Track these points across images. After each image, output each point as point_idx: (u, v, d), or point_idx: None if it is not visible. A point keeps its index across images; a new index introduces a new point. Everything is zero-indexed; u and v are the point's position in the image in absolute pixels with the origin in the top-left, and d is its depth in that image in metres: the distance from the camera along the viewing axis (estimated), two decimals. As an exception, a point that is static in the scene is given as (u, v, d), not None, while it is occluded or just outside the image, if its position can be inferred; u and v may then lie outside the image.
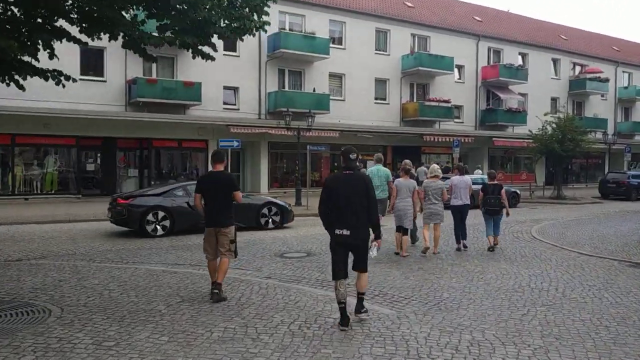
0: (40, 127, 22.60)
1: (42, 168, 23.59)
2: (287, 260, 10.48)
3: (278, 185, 29.35)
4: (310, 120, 23.39)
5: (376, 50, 33.19)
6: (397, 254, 10.93)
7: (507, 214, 11.78)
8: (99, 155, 25.54)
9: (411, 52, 33.75)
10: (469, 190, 11.67)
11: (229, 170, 29.44)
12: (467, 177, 11.97)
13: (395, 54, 33.74)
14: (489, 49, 38.45)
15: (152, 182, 25.88)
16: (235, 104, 28.60)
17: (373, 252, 6.27)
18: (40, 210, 19.15)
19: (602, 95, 44.69)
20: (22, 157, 23.23)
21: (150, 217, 13.42)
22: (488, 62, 38.21)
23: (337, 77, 31.96)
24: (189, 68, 26.64)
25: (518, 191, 25.92)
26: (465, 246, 11.61)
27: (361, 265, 6.10)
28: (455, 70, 36.10)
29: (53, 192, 23.68)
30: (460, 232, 11.59)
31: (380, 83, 33.50)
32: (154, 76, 25.73)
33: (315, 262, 10.28)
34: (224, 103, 28.16)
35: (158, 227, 13.49)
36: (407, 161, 11.43)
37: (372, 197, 6.02)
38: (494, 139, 35.34)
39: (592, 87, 42.23)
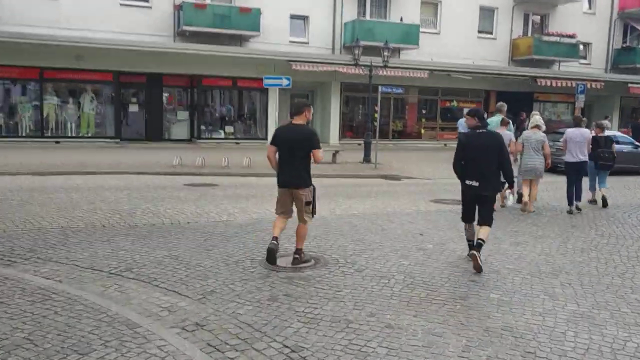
0: (71, 60, 19.46)
1: (77, 108, 20.64)
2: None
3: (352, 134, 24.71)
4: (386, 54, 18.34)
5: (483, -30, 26.87)
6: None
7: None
8: (142, 94, 22.16)
9: (528, -28, 26.97)
10: (586, 145, 10.32)
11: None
12: (586, 130, 10.53)
13: (508, -25, 27.20)
14: (631, -29, 30.47)
15: (203, 127, 22.31)
16: (304, 37, 24.00)
17: (509, 200, 7.91)
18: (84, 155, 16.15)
19: None
20: (55, 95, 20.33)
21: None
22: (630, -13, 30.34)
23: (431, 5, 26.19)
24: (249, -8, 22.37)
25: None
26: (578, 208, 10.32)
27: (485, 220, 6.48)
28: (585, -2, 28.88)
29: (90, 135, 20.75)
30: (573, 192, 10.31)
31: (487, 12, 27.25)
32: (207, 1, 21.69)
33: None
34: (291, 35, 23.66)
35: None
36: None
37: (505, 154, 6.54)
38: (629, 85, 28.02)
39: None
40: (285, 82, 16.22)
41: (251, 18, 21.46)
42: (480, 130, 6.58)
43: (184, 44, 20.88)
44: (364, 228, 8.39)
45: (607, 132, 19.16)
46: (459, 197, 7.06)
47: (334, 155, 18.02)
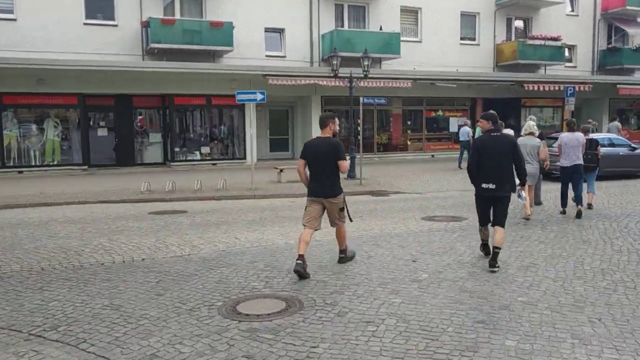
0: (33, 84, 18.22)
1: (41, 134, 19.33)
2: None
3: (335, 150, 23.58)
4: (366, 63, 17.32)
5: (462, -24, 26.12)
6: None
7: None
8: (110, 116, 20.91)
9: (509, -24, 26.27)
10: (581, 149, 10.27)
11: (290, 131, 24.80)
12: (579, 134, 10.46)
13: (488, -21, 26.47)
14: (611, -29, 29.95)
15: (177, 149, 21.11)
16: (281, 50, 22.99)
17: (522, 197, 7.31)
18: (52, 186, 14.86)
19: None
20: (16, 121, 19.02)
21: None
22: (611, -12, 29.79)
23: (411, 13, 25.35)
24: (220, 6, 21.38)
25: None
26: (580, 213, 9.96)
27: (499, 221, 6.67)
28: (567, 0, 28.16)
29: (55, 162, 19.42)
30: (567, 193, 10.41)
31: (468, 18, 26.46)
32: (177, 16, 20.64)
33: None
34: (267, 49, 22.63)
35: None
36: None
37: (519, 155, 6.78)
38: (618, 86, 27.27)
39: None
40: (259, 96, 15.08)
41: (223, 33, 20.40)
42: (495, 134, 6.80)
43: (153, 62, 19.75)
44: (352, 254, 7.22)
45: (602, 135, 18.58)
46: (451, 212, 7.66)
47: (316, 172, 16.88)
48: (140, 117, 21.12)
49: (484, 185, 6.68)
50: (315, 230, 6.68)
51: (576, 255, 7.16)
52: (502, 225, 6.67)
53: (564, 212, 10.30)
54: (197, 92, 20.60)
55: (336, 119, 6.87)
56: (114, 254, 7.65)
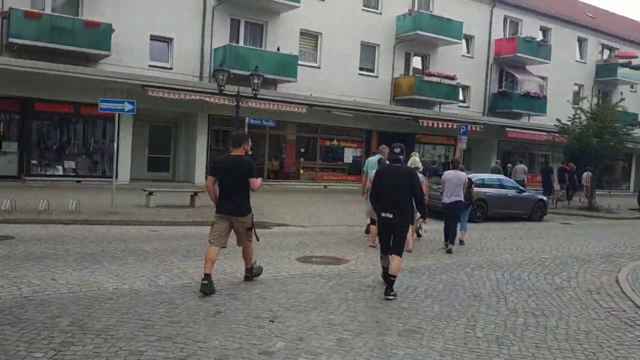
0: None
1: None
2: None
3: (221, 174, 21.83)
4: (255, 82, 15.91)
5: (364, 5, 25.68)
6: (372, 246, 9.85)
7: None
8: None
9: (410, 11, 26.22)
10: (463, 187, 10.65)
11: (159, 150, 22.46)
12: (462, 173, 10.85)
13: (390, 12, 26.24)
14: (505, 19, 31.07)
15: (35, 162, 18.35)
16: (167, 62, 21.05)
17: (423, 230, 8.34)
18: None
19: (632, 86, 37.54)
20: None
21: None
22: (504, 35, 30.83)
23: (311, 37, 24.44)
24: (100, 6, 19.19)
25: (545, 198, 18.67)
26: (449, 250, 10.16)
27: (396, 249, 6.71)
28: (463, 41, 28.69)
29: None
30: (449, 230, 10.49)
31: (368, 49, 26.01)
32: (47, 11, 18.12)
33: None
34: (152, 59, 20.61)
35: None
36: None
37: (417, 186, 6.82)
38: (507, 129, 27.96)
39: (623, 75, 34.85)
40: (127, 106, 13.08)
41: (100, 35, 18.16)
42: (396, 165, 6.89)
43: (9, 58, 17.03)
44: (186, 312, 5.55)
45: (489, 175, 18.55)
46: (333, 251, 7.51)
47: (193, 197, 15.06)
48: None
49: (383, 215, 6.72)
50: (222, 248, 6.56)
51: (467, 316, 6.00)
52: (400, 254, 6.71)
53: (447, 248, 10.23)
54: (63, 98, 18.07)
55: (249, 140, 6.88)
56: None
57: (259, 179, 6.70)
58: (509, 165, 25.60)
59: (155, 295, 6.08)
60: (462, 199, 10.60)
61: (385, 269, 6.84)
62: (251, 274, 6.88)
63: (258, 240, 6.88)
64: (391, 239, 6.76)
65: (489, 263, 9.23)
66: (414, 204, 6.89)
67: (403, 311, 6.02)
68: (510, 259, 9.71)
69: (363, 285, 7.13)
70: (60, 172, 18.73)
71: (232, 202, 6.49)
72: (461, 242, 10.97)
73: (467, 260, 9.45)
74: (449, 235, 10.43)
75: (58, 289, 6.19)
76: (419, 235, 11.46)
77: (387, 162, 7.38)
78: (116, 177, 18.85)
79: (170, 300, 5.90)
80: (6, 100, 17.94)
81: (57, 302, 5.66)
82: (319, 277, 7.47)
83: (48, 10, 18.23)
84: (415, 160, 11.00)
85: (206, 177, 6.62)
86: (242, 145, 6.63)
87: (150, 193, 14.53)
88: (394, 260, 6.62)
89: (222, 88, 15.89)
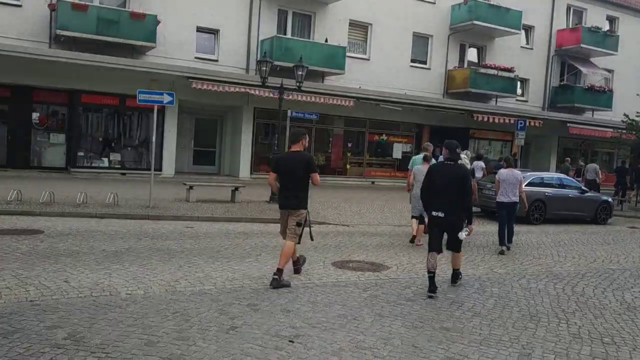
0: None
1: None
2: None
3: (266, 168, 21.37)
4: (300, 73, 15.27)
5: (418, -6, 24.63)
6: (411, 241, 10.08)
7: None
8: (5, 110, 18.00)
9: (465, 0, 24.94)
10: (519, 187, 10.20)
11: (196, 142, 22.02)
12: (517, 172, 10.45)
13: (444, 2, 25.09)
14: (568, 8, 29.24)
15: (82, 153, 18.40)
16: (213, 54, 20.72)
17: (462, 235, 6.74)
18: None
19: None
20: None
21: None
22: (567, 25, 29.00)
23: (360, 28, 23.60)
24: (147, -4, 18.99)
25: (610, 199, 17.19)
26: (508, 248, 10.03)
27: (453, 246, 6.87)
28: (522, 32, 27.14)
29: None
30: (504, 232, 10.08)
31: (420, 40, 24.94)
32: (94, 3, 18.07)
33: None
34: (198, 50, 20.33)
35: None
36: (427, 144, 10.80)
37: (468, 187, 6.67)
38: (569, 124, 26.30)
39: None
40: (166, 98, 12.67)
41: (145, 26, 17.99)
42: (448, 162, 6.81)
43: (58, 50, 17.05)
44: (197, 326, 4.94)
45: (550, 174, 17.31)
46: (373, 256, 7.44)
47: (234, 192, 14.62)
48: (39, 114, 18.24)
49: (433, 213, 6.67)
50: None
51: (522, 341, 5.14)
52: (457, 251, 6.89)
53: (502, 252, 9.79)
54: (109, 90, 18.03)
55: (307, 135, 7.06)
56: None
57: (317, 174, 6.86)
58: (582, 163, 24.04)
59: (169, 304, 5.52)
60: (517, 199, 10.18)
61: (431, 273, 6.56)
62: (279, 277, 6.47)
63: (312, 239, 7.17)
64: (443, 237, 6.71)
65: (548, 274, 8.25)
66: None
67: (446, 333, 5.22)
68: (572, 270, 8.68)
69: (402, 297, 6.36)
70: (105, 165, 18.74)
71: (293, 197, 6.68)
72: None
73: (523, 269, 8.50)
74: (504, 237, 10.00)
75: (68, 292, 5.73)
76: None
77: (433, 159, 7.20)
78: (160, 169, 18.93)
79: (183, 311, 5.32)
80: (54, 92, 18.09)
81: (62, 309, 5.18)
82: (354, 286, 6.75)
83: (95, 2, 18.18)
84: (462, 157, 10.36)
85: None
86: (300, 140, 6.81)
87: (191, 187, 14.17)
88: (454, 257, 6.95)
89: (266, 80, 15.34)
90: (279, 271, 6.46)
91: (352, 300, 6.10)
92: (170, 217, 11.81)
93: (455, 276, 7.08)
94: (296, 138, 6.89)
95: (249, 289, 6.31)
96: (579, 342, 5.25)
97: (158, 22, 18.41)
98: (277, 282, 6.39)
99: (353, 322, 5.35)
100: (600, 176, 21.23)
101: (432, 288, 6.46)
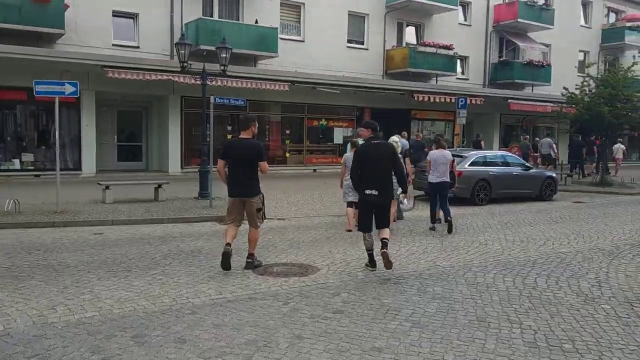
0: None
1: None
2: None
3: (198, 161, 19.98)
4: (224, 56, 14.02)
5: (351, -28, 23.60)
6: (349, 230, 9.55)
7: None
8: None
9: (400, -24, 24.10)
10: (449, 166, 10.37)
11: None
12: (448, 152, 10.54)
13: (379, -21, 24.19)
14: (504, -17, 28.92)
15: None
16: (134, 40, 19.10)
17: (405, 205, 8.20)
18: None
19: (640, 52, 35.38)
20: None
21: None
22: (503, 0, 28.70)
23: (293, 8, 22.41)
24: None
25: (554, 175, 16.82)
26: (448, 222, 9.94)
27: (384, 224, 6.83)
28: (460, 8, 26.61)
29: None
30: (435, 211, 10.37)
31: (357, 19, 23.98)
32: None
33: None
34: (116, 37, 18.67)
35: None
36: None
37: (397, 161, 6.94)
38: (510, 101, 26.00)
39: (631, 40, 32.71)
40: (69, 89, 11.20)
41: (51, 11, 16.20)
42: (375, 142, 6.90)
43: (-51, 41, 15.16)
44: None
45: (494, 152, 16.87)
46: (304, 255, 7.31)
47: (157, 190, 13.29)
48: None
49: (367, 192, 6.70)
50: (238, 227, 6.85)
51: (469, 358, 4.22)
52: (387, 227, 6.85)
53: (433, 229, 10.12)
54: (14, 84, 16.21)
55: (256, 122, 7.02)
56: None
57: (266, 162, 6.87)
58: (537, 139, 24.02)
59: (29, 344, 4.31)
60: (448, 179, 10.35)
61: (370, 252, 6.84)
62: (252, 260, 6.81)
63: (264, 219, 7.08)
64: (374, 217, 6.76)
65: (497, 264, 7.43)
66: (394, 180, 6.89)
67: (377, 355, 4.24)
68: (522, 257, 7.91)
69: (329, 309, 5.35)
70: (17, 167, 16.94)
71: (243, 184, 6.70)
72: (440, 221, 10.39)
73: (469, 260, 7.66)
74: (435, 216, 10.33)
75: None
76: (400, 217, 10.96)
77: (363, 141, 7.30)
78: (80, 169, 17.32)
79: (44, 354, 4.13)
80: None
81: None
82: (273, 298, 5.68)
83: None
84: (395, 139, 10.26)
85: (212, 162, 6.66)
86: (250, 127, 6.79)
87: (107, 187, 12.75)
88: (384, 231, 6.72)
89: (186, 65, 13.99)
90: (251, 255, 6.83)
91: (268, 319, 5.04)
92: (80, 223, 10.43)
93: (385, 244, 6.70)
94: (246, 125, 6.85)
95: (142, 313, 5.15)
96: (536, 353, 4.37)
97: (67, 7, 16.68)
98: (251, 265, 6.75)
99: (264, 350, 4.30)
100: (555, 150, 21.01)
101: (373, 264, 6.82)
